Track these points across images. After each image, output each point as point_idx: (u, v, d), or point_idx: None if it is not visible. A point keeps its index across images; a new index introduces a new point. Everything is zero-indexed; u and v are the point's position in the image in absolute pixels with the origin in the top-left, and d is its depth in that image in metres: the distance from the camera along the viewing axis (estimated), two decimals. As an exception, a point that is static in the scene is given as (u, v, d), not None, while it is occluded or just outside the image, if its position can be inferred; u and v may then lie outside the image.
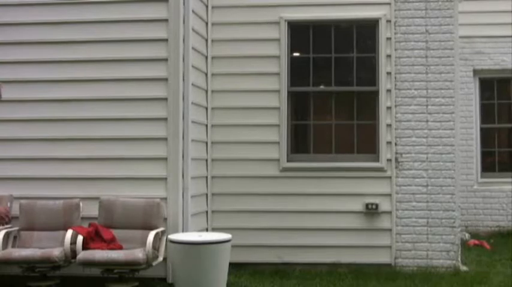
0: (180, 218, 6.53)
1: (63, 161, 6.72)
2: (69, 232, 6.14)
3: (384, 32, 7.61)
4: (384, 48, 7.59)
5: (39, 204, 6.52)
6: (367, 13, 7.68)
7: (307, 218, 7.56)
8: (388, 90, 7.58)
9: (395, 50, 7.60)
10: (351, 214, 7.52)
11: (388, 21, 7.62)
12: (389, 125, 7.55)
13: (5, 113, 6.82)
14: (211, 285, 5.97)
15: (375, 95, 7.64)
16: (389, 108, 7.57)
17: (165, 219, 6.48)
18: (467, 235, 9.55)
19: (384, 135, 7.54)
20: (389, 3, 7.65)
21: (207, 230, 7.51)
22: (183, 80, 6.71)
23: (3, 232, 6.22)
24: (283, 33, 7.73)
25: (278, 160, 7.65)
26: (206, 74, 7.67)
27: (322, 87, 8.03)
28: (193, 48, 6.92)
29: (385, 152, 7.52)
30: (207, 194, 7.64)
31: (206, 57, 7.68)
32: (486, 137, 10.61)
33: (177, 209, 6.51)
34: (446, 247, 7.43)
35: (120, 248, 6.19)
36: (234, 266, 6.60)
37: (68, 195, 6.58)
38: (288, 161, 7.64)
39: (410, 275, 7.06)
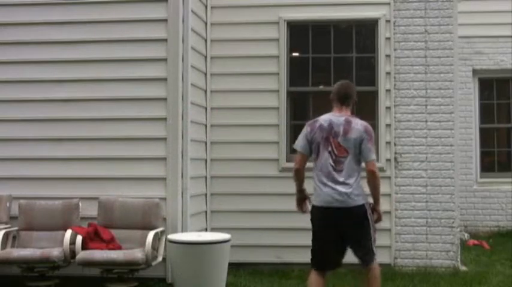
0: (179, 218, 6.53)
1: (62, 161, 6.71)
2: (69, 232, 6.13)
3: (383, 32, 7.60)
4: (383, 48, 7.59)
5: (39, 204, 6.52)
6: (367, 13, 7.67)
7: (306, 217, 7.53)
8: (388, 90, 7.58)
9: (395, 50, 7.60)
10: (350, 214, 7.50)
11: (388, 21, 7.61)
12: (388, 125, 7.55)
13: (5, 113, 6.83)
14: (210, 285, 5.96)
15: (374, 95, 7.64)
16: (388, 108, 7.57)
17: (165, 219, 6.48)
18: (466, 235, 9.54)
19: (383, 135, 7.54)
20: (388, 3, 7.64)
21: (206, 230, 7.51)
22: (182, 80, 6.70)
23: (3, 232, 6.22)
24: (282, 33, 7.72)
25: (277, 160, 7.64)
26: (205, 74, 7.67)
27: (321, 87, 8.02)
28: (192, 48, 6.92)
29: (384, 152, 7.51)
30: (206, 194, 7.63)
31: (205, 57, 7.67)
32: (485, 137, 10.60)
33: (176, 209, 6.51)
34: (446, 247, 7.43)
35: (120, 248, 6.19)
36: (233, 266, 6.60)
37: (67, 195, 6.57)
38: (287, 161, 7.61)
39: (409, 275, 7.06)
